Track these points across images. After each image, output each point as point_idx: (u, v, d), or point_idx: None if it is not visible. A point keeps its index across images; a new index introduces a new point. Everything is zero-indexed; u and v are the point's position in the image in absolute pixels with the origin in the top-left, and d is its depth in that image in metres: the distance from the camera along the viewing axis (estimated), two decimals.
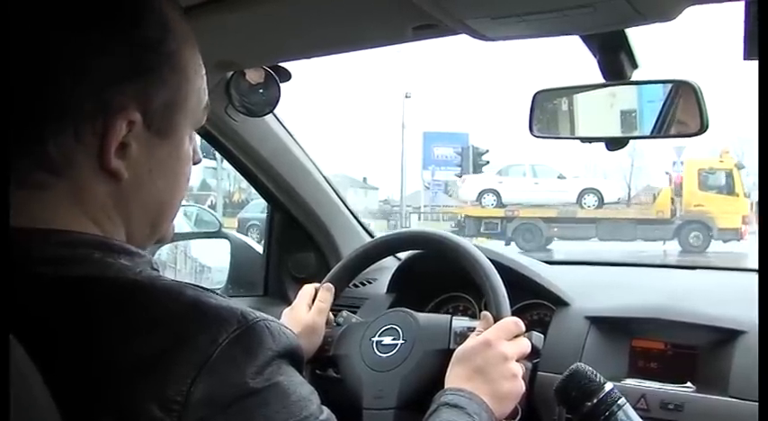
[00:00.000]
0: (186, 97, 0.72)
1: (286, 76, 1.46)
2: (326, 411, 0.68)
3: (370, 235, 1.89)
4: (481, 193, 18.66)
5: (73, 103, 0.66)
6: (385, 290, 1.62)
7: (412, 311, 1.29)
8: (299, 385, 0.66)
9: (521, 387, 1.06)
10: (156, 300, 0.64)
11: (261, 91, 1.46)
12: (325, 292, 1.30)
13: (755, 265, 1.01)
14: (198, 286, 0.67)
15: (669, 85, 1.18)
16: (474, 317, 1.44)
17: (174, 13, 0.72)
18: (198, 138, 0.79)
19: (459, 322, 1.22)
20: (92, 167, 0.67)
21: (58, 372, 0.59)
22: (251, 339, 0.63)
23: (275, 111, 1.56)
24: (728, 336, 1.23)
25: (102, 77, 0.66)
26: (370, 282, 1.73)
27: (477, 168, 19.04)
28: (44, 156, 0.66)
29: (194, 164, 0.78)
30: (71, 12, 0.67)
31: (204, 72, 0.76)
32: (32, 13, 0.67)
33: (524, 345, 1.11)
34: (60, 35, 0.66)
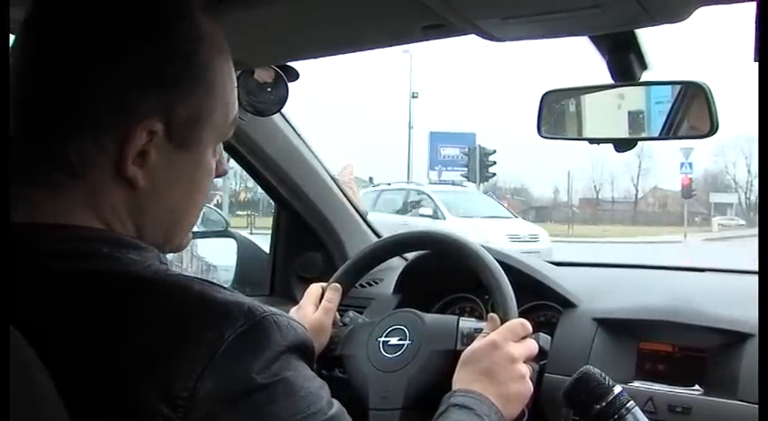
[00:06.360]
0: (212, 111, 0.71)
1: (294, 75, 1.45)
2: (337, 405, 0.68)
3: (377, 235, 1.89)
4: None
5: (94, 107, 0.66)
6: (391, 290, 1.62)
7: (419, 312, 1.29)
8: (307, 380, 0.66)
9: (529, 388, 1.06)
10: (163, 295, 0.64)
11: (269, 90, 1.46)
12: (332, 292, 1.30)
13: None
14: (205, 280, 0.67)
15: (678, 86, 1.18)
16: (481, 318, 1.43)
17: (208, 24, 0.71)
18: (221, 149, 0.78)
19: (467, 323, 1.22)
20: (109, 173, 0.67)
21: (64, 367, 0.59)
22: (258, 334, 0.63)
23: (283, 110, 1.56)
24: (737, 339, 1.22)
25: (126, 85, 0.66)
26: (376, 283, 1.73)
27: (484, 169, 18.97)
28: (63, 159, 0.66)
29: (219, 176, 0.77)
30: (100, 18, 0.67)
31: (235, 85, 0.74)
32: (59, 16, 0.67)
33: (531, 347, 1.10)
34: (87, 40, 0.66)
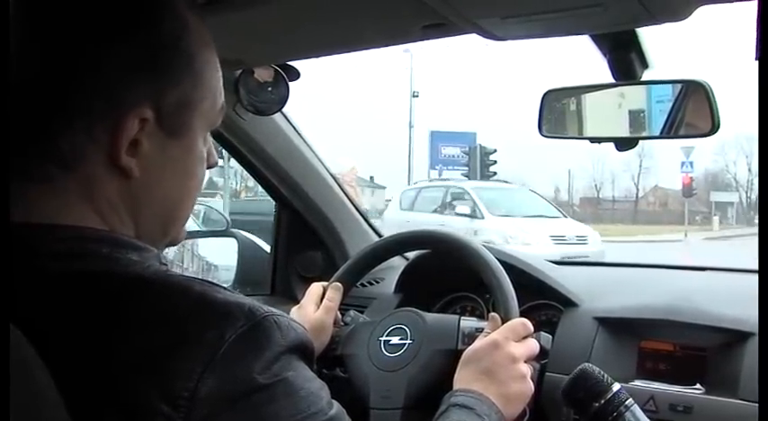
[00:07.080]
0: (201, 98, 0.72)
1: (295, 74, 1.45)
2: (336, 406, 0.68)
3: (378, 234, 1.89)
4: None
5: (85, 98, 0.66)
6: (392, 289, 1.62)
7: (420, 311, 1.29)
8: (308, 380, 0.66)
9: (530, 388, 1.06)
10: (163, 295, 0.64)
11: (270, 89, 1.46)
12: (333, 291, 1.30)
13: None
14: (206, 281, 0.67)
15: (679, 85, 1.18)
16: (482, 317, 1.44)
17: (192, 14, 0.72)
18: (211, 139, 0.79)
19: (468, 322, 1.22)
20: (103, 164, 0.68)
21: (65, 367, 0.59)
22: (259, 335, 0.63)
23: (283, 109, 1.56)
24: (738, 338, 1.22)
25: (115, 74, 0.66)
26: (377, 282, 1.73)
27: (485, 168, 18.93)
28: (55, 151, 0.66)
29: (210, 167, 0.77)
30: (87, 8, 0.67)
31: (221, 74, 0.75)
32: (47, 10, 0.67)
33: (532, 346, 1.10)
34: (75, 31, 0.66)
